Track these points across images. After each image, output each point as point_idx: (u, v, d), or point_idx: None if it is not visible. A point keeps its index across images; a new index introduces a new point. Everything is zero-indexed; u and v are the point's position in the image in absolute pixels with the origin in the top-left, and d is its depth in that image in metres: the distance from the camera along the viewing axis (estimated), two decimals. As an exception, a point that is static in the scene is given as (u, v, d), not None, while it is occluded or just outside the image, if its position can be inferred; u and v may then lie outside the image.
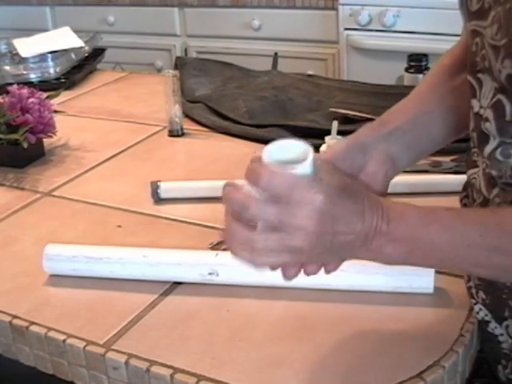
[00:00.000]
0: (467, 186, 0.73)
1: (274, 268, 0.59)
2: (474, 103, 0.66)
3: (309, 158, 0.56)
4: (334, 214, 0.56)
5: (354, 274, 0.74)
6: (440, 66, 0.79)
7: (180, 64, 1.56)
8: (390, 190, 0.96)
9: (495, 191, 0.65)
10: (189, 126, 1.27)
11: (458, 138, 0.78)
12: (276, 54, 2.00)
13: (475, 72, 0.65)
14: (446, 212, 0.60)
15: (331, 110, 1.24)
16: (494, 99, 0.62)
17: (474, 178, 0.69)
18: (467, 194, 0.73)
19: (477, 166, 0.69)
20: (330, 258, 0.60)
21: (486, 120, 0.64)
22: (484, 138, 0.65)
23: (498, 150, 0.63)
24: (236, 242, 0.57)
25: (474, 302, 0.70)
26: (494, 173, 0.64)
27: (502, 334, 0.69)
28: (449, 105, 0.74)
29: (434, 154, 1.06)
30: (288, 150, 0.57)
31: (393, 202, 0.60)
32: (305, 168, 0.56)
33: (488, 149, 0.64)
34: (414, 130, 0.72)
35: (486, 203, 0.67)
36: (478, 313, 0.70)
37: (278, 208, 0.55)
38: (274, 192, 0.55)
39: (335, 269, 0.62)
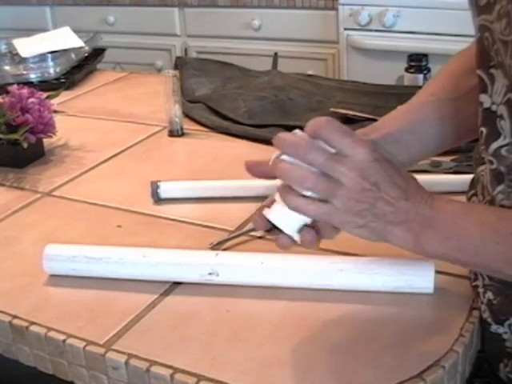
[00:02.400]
0: (475, 183, 0.73)
1: (310, 215, 0.62)
2: (485, 98, 0.65)
3: None
4: (380, 177, 0.59)
5: (354, 274, 0.74)
6: (445, 71, 0.79)
7: (180, 64, 1.56)
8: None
9: (500, 188, 0.65)
10: (189, 126, 1.27)
11: (454, 146, 0.79)
12: (276, 54, 2.00)
13: (487, 67, 0.64)
14: (485, 208, 0.63)
15: (331, 110, 1.24)
16: (506, 97, 0.62)
17: (482, 175, 0.69)
18: (476, 192, 0.73)
19: (484, 163, 0.69)
20: (375, 230, 0.61)
21: (501, 117, 0.63)
22: (494, 135, 0.64)
23: (505, 148, 0.63)
24: (289, 178, 0.62)
25: (480, 301, 0.70)
26: (502, 169, 0.64)
27: (505, 333, 0.69)
28: (448, 115, 0.74)
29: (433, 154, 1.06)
30: None
31: (439, 195, 0.62)
32: None
33: (494, 145, 0.64)
34: (406, 137, 0.72)
35: (493, 201, 0.67)
36: (484, 312, 0.70)
37: (328, 157, 0.59)
38: (330, 140, 0.60)
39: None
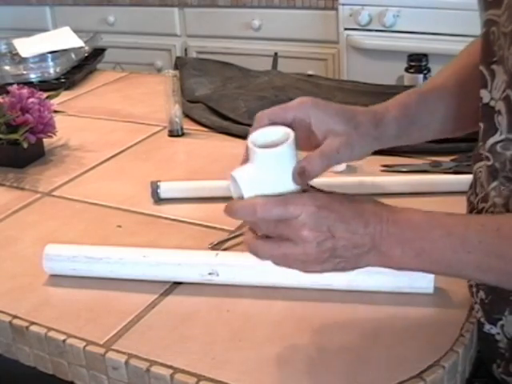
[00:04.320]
0: (473, 181, 0.73)
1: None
2: (484, 94, 0.66)
3: (290, 138, 0.61)
4: (330, 220, 0.59)
5: (354, 274, 0.74)
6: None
7: (180, 64, 1.56)
8: (390, 190, 0.96)
9: (493, 184, 0.65)
10: (189, 126, 1.27)
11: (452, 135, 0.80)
12: (276, 54, 2.00)
13: (489, 63, 0.64)
14: (449, 217, 0.61)
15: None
16: (505, 93, 0.62)
17: (480, 171, 0.70)
18: (473, 190, 0.73)
19: (482, 160, 0.69)
20: (346, 266, 0.62)
21: (499, 113, 0.63)
22: (491, 130, 0.65)
23: (500, 144, 0.63)
24: (252, 251, 0.62)
25: (474, 301, 0.70)
26: (497, 165, 0.64)
27: (498, 333, 0.69)
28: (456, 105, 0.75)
29: (434, 154, 1.06)
30: (271, 136, 0.63)
31: (398, 207, 0.62)
32: (288, 146, 0.61)
33: (491, 141, 0.65)
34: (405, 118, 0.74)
35: (487, 196, 0.67)
36: (477, 312, 0.70)
37: (277, 224, 0.60)
38: (271, 217, 0.60)
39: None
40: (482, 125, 0.67)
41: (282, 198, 0.60)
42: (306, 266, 0.61)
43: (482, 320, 0.70)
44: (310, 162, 0.62)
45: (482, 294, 0.69)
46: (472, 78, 0.71)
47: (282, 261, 0.61)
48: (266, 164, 0.61)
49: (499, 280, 0.61)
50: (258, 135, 0.63)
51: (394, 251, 0.60)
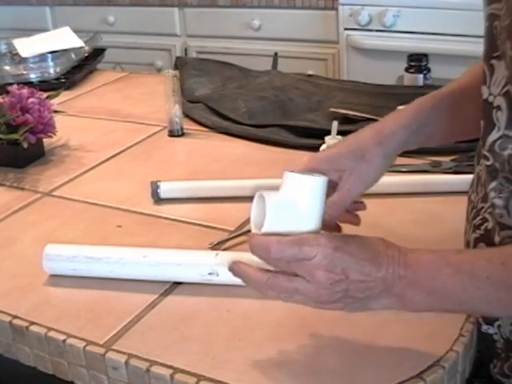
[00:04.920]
0: (474, 180, 0.73)
1: None
2: (484, 90, 0.66)
3: (326, 177, 0.64)
4: (345, 262, 0.60)
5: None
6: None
7: (180, 64, 1.56)
8: (390, 190, 0.96)
9: (493, 184, 0.65)
10: (189, 126, 1.27)
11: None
12: (276, 54, 2.00)
13: (490, 58, 0.64)
14: (457, 255, 0.62)
15: (331, 109, 1.24)
16: (505, 89, 0.62)
17: (481, 169, 0.70)
18: (474, 188, 0.73)
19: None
20: (356, 306, 0.63)
21: (498, 108, 0.63)
22: (489, 127, 0.65)
23: (498, 142, 0.63)
24: (265, 287, 0.63)
25: None
26: (497, 165, 0.64)
27: (496, 333, 0.69)
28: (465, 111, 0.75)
29: (434, 154, 1.06)
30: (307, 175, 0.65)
31: (411, 249, 0.62)
32: (323, 181, 0.63)
33: (490, 139, 0.64)
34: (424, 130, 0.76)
35: (486, 198, 0.67)
36: None
37: (291, 263, 0.61)
38: (286, 258, 0.61)
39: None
40: (482, 122, 0.67)
41: (297, 238, 0.61)
42: (316, 303, 0.62)
43: (480, 320, 0.70)
44: (331, 208, 0.68)
45: None
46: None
47: (292, 296, 0.62)
48: (298, 190, 0.63)
49: (510, 312, 0.62)
50: (294, 173, 0.65)
51: (406, 293, 0.60)
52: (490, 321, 0.69)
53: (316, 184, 0.63)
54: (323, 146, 1.02)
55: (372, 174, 0.73)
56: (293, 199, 0.63)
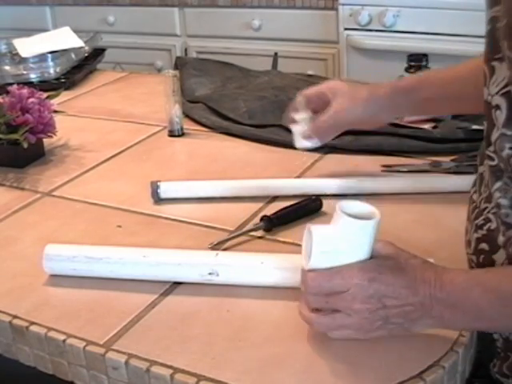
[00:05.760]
0: (477, 179, 0.74)
1: None
2: (484, 91, 0.66)
3: (376, 217, 0.64)
4: (381, 292, 0.62)
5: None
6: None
7: (180, 64, 1.56)
8: (390, 190, 0.96)
9: (497, 185, 0.65)
10: (189, 126, 1.27)
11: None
12: (276, 54, 2.00)
13: (491, 59, 0.65)
14: (485, 274, 0.65)
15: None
16: (506, 89, 0.63)
17: (485, 170, 0.70)
18: (477, 188, 0.73)
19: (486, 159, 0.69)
20: (397, 330, 0.65)
21: (497, 108, 0.64)
22: (491, 127, 0.65)
23: (497, 142, 0.64)
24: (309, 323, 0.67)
25: None
26: (502, 165, 0.64)
27: (495, 332, 0.69)
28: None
29: (434, 154, 1.06)
30: (358, 208, 0.65)
31: (448, 269, 0.64)
32: (374, 223, 0.63)
33: (493, 139, 0.65)
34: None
35: (491, 196, 0.67)
36: None
37: (328, 298, 0.64)
38: (322, 291, 0.64)
39: None
40: (485, 123, 0.67)
41: (332, 271, 0.63)
42: (361, 333, 0.64)
43: None
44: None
45: None
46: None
47: (338, 332, 0.65)
48: (347, 230, 0.64)
49: None
50: (346, 204, 0.65)
51: (444, 314, 0.62)
52: None
53: (366, 228, 0.64)
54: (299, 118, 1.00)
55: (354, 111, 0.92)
56: (338, 236, 0.64)
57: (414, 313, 0.62)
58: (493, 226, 0.68)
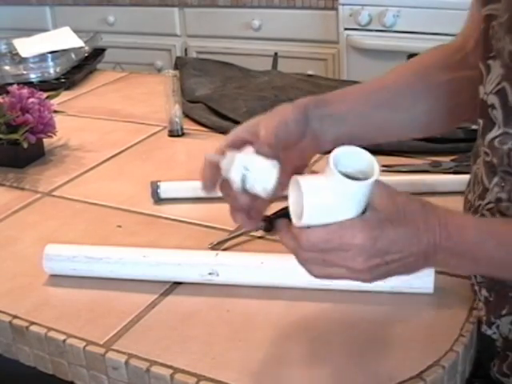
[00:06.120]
0: (471, 179, 0.74)
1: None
2: (481, 89, 0.66)
3: (375, 175, 0.57)
4: (383, 250, 0.57)
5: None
6: (419, 64, 0.81)
7: (180, 64, 1.56)
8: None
9: (495, 180, 0.65)
10: (189, 126, 1.27)
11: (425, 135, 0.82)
12: (276, 54, 2.00)
13: (486, 58, 0.65)
14: (501, 226, 0.62)
15: None
16: (499, 86, 0.63)
17: (478, 168, 0.70)
18: (471, 188, 0.73)
19: (480, 156, 0.69)
20: (399, 275, 0.61)
21: (493, 107, 0.64)
22: (489, 126, 0.65)
23: (498, 139, 0.64)
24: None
25: (478, 299, 0.70)
26: (494, 160, 0.64)
27: (494, 333, 0.69)
28: (421, 109, 0.75)
29: (434, 154, 1.06)
30: (355, 159, 0.58)
31: (451, 214, 0.61)
32: (368, 184, 0.57)
33: (489, 136, 0.65)
34: (354, 119, 0.72)
35: (484, 193, 0.67)
36: (480, 310, 0.70)
37: (325, 256, 0.58)
38: (318, 248, 0.58)
39: None
40: (481, 121, 0.67)
41: (329, 229, 0.57)
42: (357, 283, 0.60)
43: (485, 318, 0.70)
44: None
45: (484, 291, 0.69)
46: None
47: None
48: (340, 189, 0.57)
49: None
50: (341, 153, 0.58)
51: (449, 261, 0.60)
52: (495, 318, 0.69)
53: (363, 188, 0.57)
54: None
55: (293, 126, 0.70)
56: (334, 193, 0.57)
57: (416, 262, 0.59)
58: None
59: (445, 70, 0.75)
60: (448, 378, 0.64)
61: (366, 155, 0.59)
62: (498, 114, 0.63)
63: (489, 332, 0.70)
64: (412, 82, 0.76)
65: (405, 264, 0.59)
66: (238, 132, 0.74)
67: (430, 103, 0.74)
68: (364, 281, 0.60)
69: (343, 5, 2.23)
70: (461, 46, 0.78)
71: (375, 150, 0.71)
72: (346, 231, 0.57)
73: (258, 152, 0.66)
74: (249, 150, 0.67)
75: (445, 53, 0.80)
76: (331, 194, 0.57)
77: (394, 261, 0.58)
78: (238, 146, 0.71)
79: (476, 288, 0.70)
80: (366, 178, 0.57)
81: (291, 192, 0.60)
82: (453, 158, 1.04)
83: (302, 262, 0.60)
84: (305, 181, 0.58)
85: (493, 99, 0.64)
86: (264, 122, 0.69)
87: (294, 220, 0.59)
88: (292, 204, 0.60)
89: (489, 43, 0.64)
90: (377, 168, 0.58)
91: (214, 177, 0.71)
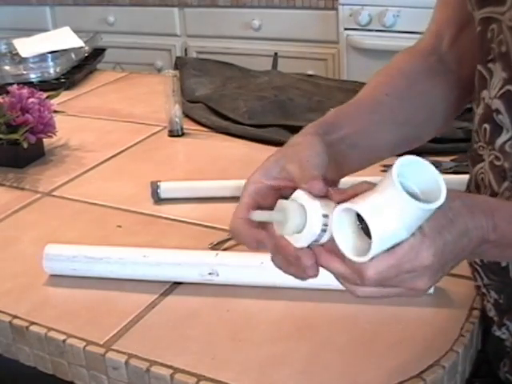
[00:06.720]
0: (470, 183, 0.73)
1: None
2: (485, 94, 0.66)
3: (442, 197, 0.49)
4: (445, 261, 0.53)
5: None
6: (397, 70, 0.77)
7: (180, 64, 1.56)
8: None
9: (505, 184, 0.65)
10: (189, 126, 1.27)
11: (401, 152, 0.72)
12: (276, 54, 2.00)
13: (487, 62, 0.64)
14: None
15: (331, 109, 1.24)
16: (503, 90, 0.62)
17: (482, 172, 0.69)
18: (470, 191, 0.73)
19: (483, 160, 0.68)
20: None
21: (498, 112, 0.63)
22: (497, 130, 0.65)
23: (509, 143, 0.63)
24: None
25: (486, 300, 0.70)
26: (506, 165, 0.64)
27: (504, 333, 0.69)
28: (400, 119, 0.71)
29: (434, 154, 1.06)
30: (421, 175, 0.51)
31: (486, 202, 0.57)
32: (434, 207, 0.49)
33: (499, 141, 0.64)
34: (361, 142, 0.68)
35: (493, 197, 0.67)
36: (489, 311, 0.70)
37: (392, 281, 0.52)
38: (387, 278, 0.51)
39: None
40: (487, 126, 0.66)
41: (394, 256, 0.50)
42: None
43: (496, 319, 0.69)
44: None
45: (493, 293, 0.69)
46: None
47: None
48: (404, 209, 0.49)
49: None
50: (405, 166, 0.50)
51: (490, 252, 0.58)
52: (499, 324, 0.69)
53: (428, 211, 0.50)
54: None
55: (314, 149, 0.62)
56: (397, 215, 0.49)
57: (463, 260, 0.56)
58: None
59: (428, 76, 0.73)
60: (448, 377, 0.64)
61: (430, 169, 0.51)
62: (503, 119, 0.63)
63: (498, 333, 0.70)
64: (406, 95, 0.72)
65: (454, 266, 0.56)
66: (256, 182, 0.64)
67: (427, 112, 0.73)
68: (416, 296, 0.55)
69: (343, 5, 2.23)
70: (433, 47, 0.76)
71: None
72: (411, 253, 0.51)
73: (313, 194, 0.55)
74: (300, 195, 0.55)
75: (421, 58, 0.77)
76: (396, 218, 0.49)
77: (451, 267, 0.55)
78: (266, 198, 0.61)
79: (484, 290, 0.70)
80: (425, 195, 0.50)
81: (336, 219, 0.51)
82: (453, 157, 1.04)
83: (361, 295, 0.54)
84: (363, 208, 0.50)
85: (497, 104, 0.63)
86: (292, 160, 0.61)
87: (352, 256, 0.51)
88: (341, 242, 0.51)
89: (487, 46, 0.64)
90: (444, 187, 0.50)
91: (259, 234, 0.60)
